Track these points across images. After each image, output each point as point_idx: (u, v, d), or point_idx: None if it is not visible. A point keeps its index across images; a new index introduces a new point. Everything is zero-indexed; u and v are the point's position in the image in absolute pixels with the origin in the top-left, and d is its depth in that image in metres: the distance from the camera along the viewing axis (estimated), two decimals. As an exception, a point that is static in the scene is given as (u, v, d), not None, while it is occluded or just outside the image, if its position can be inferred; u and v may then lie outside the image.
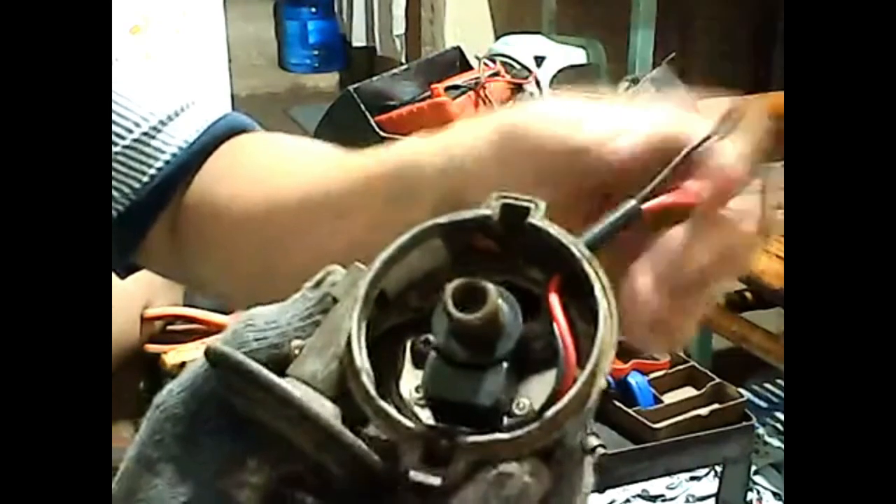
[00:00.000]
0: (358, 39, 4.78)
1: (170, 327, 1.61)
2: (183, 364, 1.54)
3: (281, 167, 0.66)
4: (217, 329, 1.54)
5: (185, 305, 1.60)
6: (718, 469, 1.97)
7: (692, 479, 2.31)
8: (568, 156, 0.50)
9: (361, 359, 0.41)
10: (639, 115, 0.50)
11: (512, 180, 0.47)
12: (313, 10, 5.35)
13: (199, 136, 0.68)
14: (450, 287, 0.39)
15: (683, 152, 0.49)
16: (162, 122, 0.68)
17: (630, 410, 1.72)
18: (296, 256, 0.61)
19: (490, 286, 0.39)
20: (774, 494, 2.34)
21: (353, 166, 0.60)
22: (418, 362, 0.42)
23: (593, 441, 0.43)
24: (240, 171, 0.68)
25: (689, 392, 1.86)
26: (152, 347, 1.56)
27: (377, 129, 2.24)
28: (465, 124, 0.55)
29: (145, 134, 0.68)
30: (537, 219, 0.43)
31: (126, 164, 0.67)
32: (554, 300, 0.42)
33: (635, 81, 2.29)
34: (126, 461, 0.44)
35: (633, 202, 0.47)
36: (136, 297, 1.55)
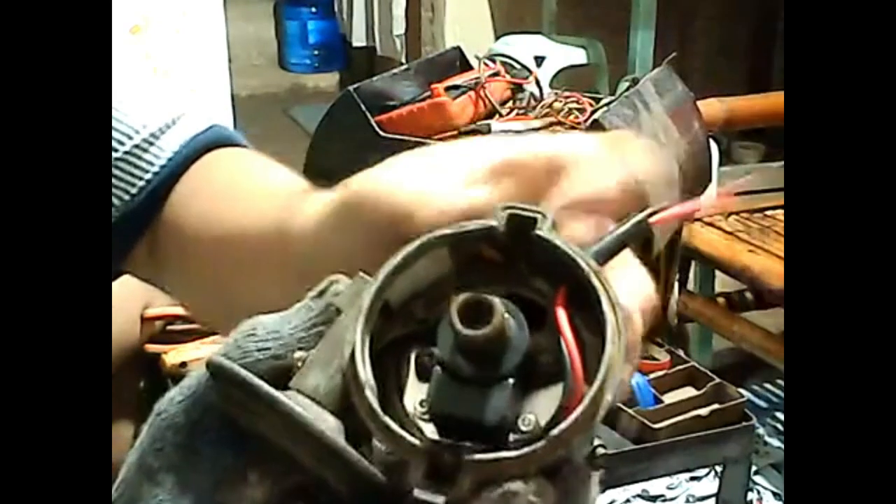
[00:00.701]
0: (358, 39, 4.79)
1: (170, 327, 1.60)
2: (183, 364, 1.54)
3: (258, 188, 0.64)
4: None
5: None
6: (718, 469, 1.97)
7: (692, 479, 2.31)
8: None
9: (365, 373, 0.40)
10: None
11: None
12: (313, 10, 5.35)
13: (180, 149, 0.67)
14: (456, 302, 0.39)
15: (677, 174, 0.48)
16: (153, 136, 0.67)
17: (630, 410, 1.72)
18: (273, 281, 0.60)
19: (497, 302, 0.39)
20: (774, 494, 2.34)
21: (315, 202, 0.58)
22: (422, 375, 0.42)
23: (593, 442, 0.42)
24: (215, 188, 0.66)
25: (689, 392, 1.86)
26: (152, 347, 1.55)
27: (377, 129, 2.24)
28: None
29: (137, 146, 0.67)
30: (544, 230, 0.42)
31: (118, 175, 0.66)
32: (561, 315, 0.41)
33: (635, 81, 2.28)
34: (127, 467, 0.43)
35: (639, 215, 0.47)
36: (136, 297, 1.55)
